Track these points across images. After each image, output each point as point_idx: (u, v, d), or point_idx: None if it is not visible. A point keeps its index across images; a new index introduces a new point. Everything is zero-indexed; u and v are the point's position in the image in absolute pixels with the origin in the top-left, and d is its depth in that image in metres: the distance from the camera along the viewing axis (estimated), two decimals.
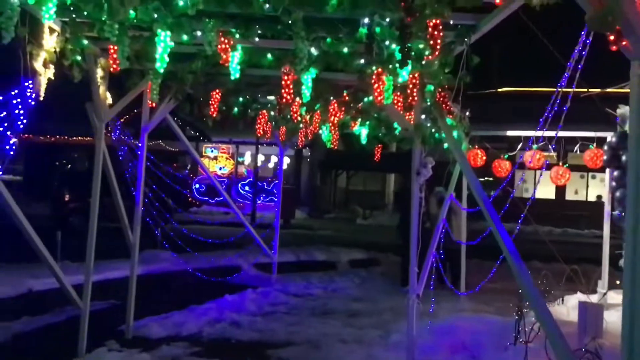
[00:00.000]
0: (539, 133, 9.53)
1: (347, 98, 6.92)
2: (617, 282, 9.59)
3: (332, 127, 6.86)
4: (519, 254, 4.39)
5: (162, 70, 4.78)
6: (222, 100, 7.22)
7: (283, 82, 5.42)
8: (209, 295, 9.83)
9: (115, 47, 5.10)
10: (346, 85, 6.96)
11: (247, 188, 29.11)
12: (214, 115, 7.05)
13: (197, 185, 29.19)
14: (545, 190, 28.01)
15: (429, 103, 5.76)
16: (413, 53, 4.69)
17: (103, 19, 4.46)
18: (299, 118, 7.76)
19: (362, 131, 9.68)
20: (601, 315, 5.95)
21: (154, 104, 7.19)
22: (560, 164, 9.31)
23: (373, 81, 5.28)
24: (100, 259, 7.89)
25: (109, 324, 7.85)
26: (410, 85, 5.07)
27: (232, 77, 5.57)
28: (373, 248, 15.65)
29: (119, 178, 8.19)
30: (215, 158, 30.37)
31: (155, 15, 4.47)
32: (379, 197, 34.51)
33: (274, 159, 30.79)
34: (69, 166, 27.59)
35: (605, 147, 8.89)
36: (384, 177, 36.23)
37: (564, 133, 9.49)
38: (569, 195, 29.04)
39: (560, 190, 28.77)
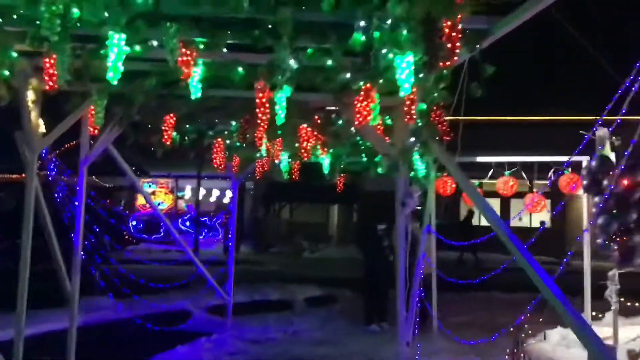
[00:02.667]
0: (514, 159, 9.10)
1: (319, 121, 6.17)
2: (594, 313, 9.13)
3: (304, 153, 6.07)
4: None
5: (115, 82, 3.88)
6: (175, 126, 6.33)
7: (258, 101, 4.61)
8: (157, 347, 8.71)
9: (52, 60, 4.17)
10: (316, 107, 6.22)
11: (187, 223, 27.87)
12: (168, 142, 6.12)
13: (134, 222, 27.83)
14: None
15: (419, 124, 5.07)
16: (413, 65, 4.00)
17: (40, 17, 3.54)
18: (263, 146, 6.87)
19: (324, 161, 8.96)
20: (614, 357, 5.32)
21: (96, 132, 6.23)
22: (535, 190, 8.84)
23: (361, 98, 4.56)
24: (29, 308, 6.79)
25: None
26: (408, 102, 4.37)
27: (193, 97, 4.73)
28: (327, 284, 14.84)
29: (53, 217, 7.15)
30: (154, 193, 29.02)
31: (106, 14, 3.61)
32: (323, 229, 33.85)
33: (215, 193, 29.70)
34: None
35: (584, 172, 8.47)
36: (327, 209, 35.67)
37: (537, 158, 9.08)
38: (513, 222, 29.05)
39: (505, 216, 28.80)
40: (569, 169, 8.58)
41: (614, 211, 7.88)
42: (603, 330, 8.07)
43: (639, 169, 7.84)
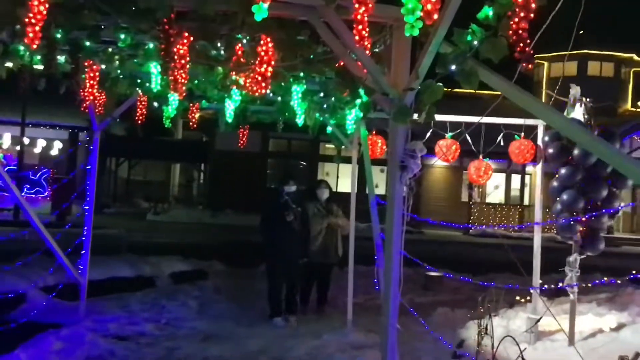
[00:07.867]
0: (455, 118, 7.68)
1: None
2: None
3: (260, 84, 3.90)
4: None
5: None
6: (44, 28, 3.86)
7: None
8: None
9: None
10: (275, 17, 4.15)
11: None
12: (35, 45, 3.64)
13: None
14: (346, 183, 27.11)
15: (475, 42, 3.28)
16: None
17: None
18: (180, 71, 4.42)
19: (227, 105, 6.88)
20: None
21: None
22: (481, 157, 7.50)
23: None
24: None
25: None
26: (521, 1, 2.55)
27: None
28: (185, 253, 12.73)
29: None
30: None
31: None
32: (163, 188, 31.28)
33: (40, 143, 25.63)
34: None
35: (547, 138, 7.26)
36: (168, 167, 33.09)
37: (487, 120, 7.71)
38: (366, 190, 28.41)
39: (361, 188, 27.99)
40: (522, 134, 7.33)
41: (581, 186, 6.78)
42: (552, 323, 6.96)
43: (614, 137, 6.79)
